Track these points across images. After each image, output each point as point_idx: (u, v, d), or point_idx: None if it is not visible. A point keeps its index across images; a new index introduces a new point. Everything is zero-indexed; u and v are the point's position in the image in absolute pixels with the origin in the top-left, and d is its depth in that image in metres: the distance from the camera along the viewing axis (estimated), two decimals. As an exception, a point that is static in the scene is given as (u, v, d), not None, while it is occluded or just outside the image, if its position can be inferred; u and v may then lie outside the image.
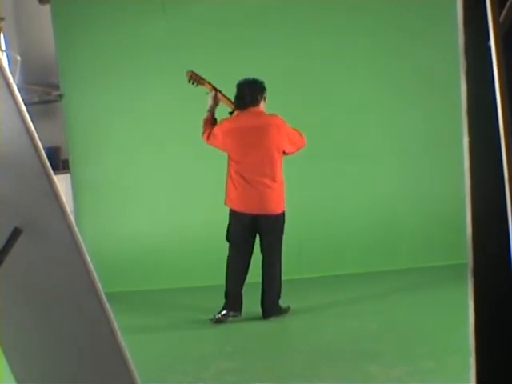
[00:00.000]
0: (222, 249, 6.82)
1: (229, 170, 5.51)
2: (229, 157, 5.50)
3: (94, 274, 1.88)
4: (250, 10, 6.89)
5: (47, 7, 7.15)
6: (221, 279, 6.25)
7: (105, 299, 1.89)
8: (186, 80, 5.52)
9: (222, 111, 5.56)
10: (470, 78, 1.80)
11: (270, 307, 5.46)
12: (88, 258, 1.87)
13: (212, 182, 6.91)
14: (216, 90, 5.56)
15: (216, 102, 5.57)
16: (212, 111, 5.58)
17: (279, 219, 5.49)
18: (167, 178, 7.02)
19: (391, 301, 5.75)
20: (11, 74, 1.96)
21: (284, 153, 5.48)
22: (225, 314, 5.40)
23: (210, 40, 6.88)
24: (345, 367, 4.26)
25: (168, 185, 7.02)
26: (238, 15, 6.90)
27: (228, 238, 5.58)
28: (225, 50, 6.86)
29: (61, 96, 7.09)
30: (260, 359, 4.59)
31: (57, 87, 7.17)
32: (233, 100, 5.53)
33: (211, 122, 5.56)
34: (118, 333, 1.90)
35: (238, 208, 5.48)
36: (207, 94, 5.55)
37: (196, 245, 6.87)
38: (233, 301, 5.45)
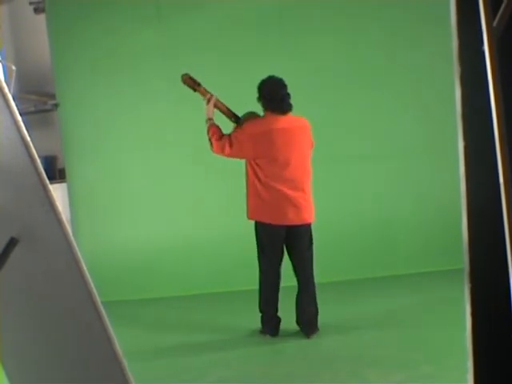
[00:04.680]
0: (219, 256, 6.83)
1: (252, 180, 4.99)
2: (252, 165, 4.97)
3: (91, 282, 1.89)
4: (246, 15, 6.89)
5: (42, 16, 7.16)
6: (218, 287, 6.21)
7: (102, 308, 1.89)
8: (182, 85, 5.15)
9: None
10: (464, 83, 1.81)
11: (314, 323, 5.15)
12: (85, 267, 1.87)
13: (210, 189, 6.92)
14: (211, 96, 5.00)
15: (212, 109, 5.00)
16: (212, 119, 5.01)
17: (311, 228, 5.11)
18: (164, 186, 7.01)
19: (389, 306, 5.74)
20: (7, 84, 1.97)
21: None
22: (263, 333, 5.21)
23: (205, 46, 6.88)
24: (343, 373, 4.26)
25: (165, 193, 7.01)
26: (233, 21, 6.90)
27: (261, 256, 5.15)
28: (220, 55, 6.87)
29: (56, 105, 7.08)
30: (258, 367, 4.58)
31: (52, 96, 7.16)
32: (266, 102, 4.99)
33: (219, 130, 4.97)
34: (115, 341, 1.90)
35: (271, 220, 4.97)
36: (203, 100, 5.05)
37: (194, 253, 6.86)
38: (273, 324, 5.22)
